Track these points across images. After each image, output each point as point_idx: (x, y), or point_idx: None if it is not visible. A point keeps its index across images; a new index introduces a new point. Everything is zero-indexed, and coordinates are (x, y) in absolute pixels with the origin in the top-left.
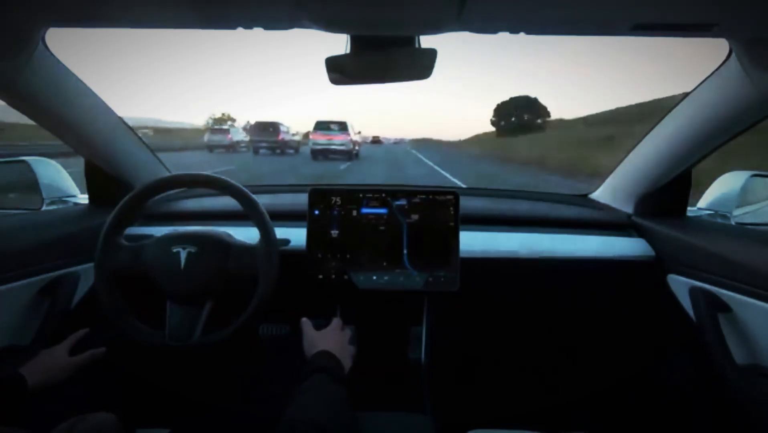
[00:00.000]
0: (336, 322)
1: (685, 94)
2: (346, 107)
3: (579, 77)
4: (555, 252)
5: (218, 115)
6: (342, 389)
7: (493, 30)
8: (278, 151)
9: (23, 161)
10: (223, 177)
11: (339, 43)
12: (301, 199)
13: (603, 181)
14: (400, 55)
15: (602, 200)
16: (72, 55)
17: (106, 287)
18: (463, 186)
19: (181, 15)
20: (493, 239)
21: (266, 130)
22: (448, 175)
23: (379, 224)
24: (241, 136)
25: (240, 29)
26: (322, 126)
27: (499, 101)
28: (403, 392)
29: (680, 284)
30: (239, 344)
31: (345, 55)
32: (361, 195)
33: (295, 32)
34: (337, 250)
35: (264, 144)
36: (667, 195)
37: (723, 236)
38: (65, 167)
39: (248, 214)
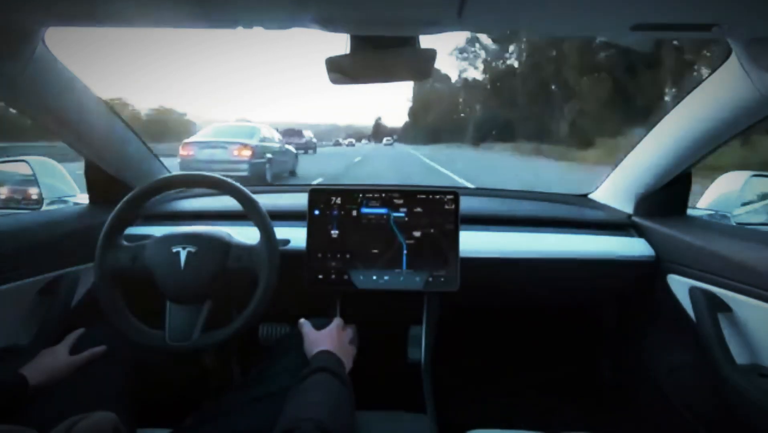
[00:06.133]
0: (336, 322)
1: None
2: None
3: None
4: (555, 252)
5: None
6: (344, 388)
7: (493, 30)
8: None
9: (23, 161)
10: (222, 177)
11: (339, 44)
12: (301, 200)
13: (603, 181)
14: (400, 54)
15: (602, 200)
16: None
17: (106, 287)
18: (470, 186)
19: (180, 14)
20: (493, 239)
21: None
22: None
23: (379, 224)
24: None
25: (240, 28)
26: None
27: None
28: (403, 392)
29: (680, 284)
30: (239, 344)
31: (345, 55)
32: (360, 195)
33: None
34: (337, 250)
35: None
36: (667, 195)
37: (723, 236)
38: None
39: (248, 214)
